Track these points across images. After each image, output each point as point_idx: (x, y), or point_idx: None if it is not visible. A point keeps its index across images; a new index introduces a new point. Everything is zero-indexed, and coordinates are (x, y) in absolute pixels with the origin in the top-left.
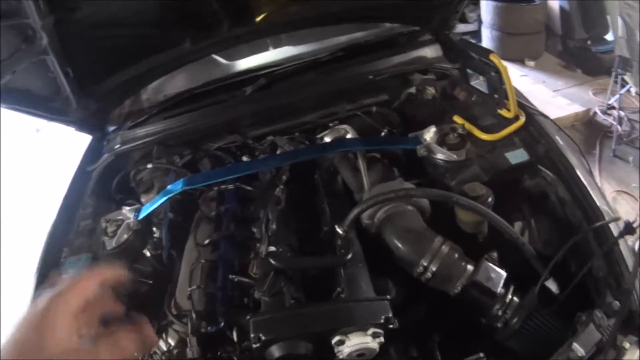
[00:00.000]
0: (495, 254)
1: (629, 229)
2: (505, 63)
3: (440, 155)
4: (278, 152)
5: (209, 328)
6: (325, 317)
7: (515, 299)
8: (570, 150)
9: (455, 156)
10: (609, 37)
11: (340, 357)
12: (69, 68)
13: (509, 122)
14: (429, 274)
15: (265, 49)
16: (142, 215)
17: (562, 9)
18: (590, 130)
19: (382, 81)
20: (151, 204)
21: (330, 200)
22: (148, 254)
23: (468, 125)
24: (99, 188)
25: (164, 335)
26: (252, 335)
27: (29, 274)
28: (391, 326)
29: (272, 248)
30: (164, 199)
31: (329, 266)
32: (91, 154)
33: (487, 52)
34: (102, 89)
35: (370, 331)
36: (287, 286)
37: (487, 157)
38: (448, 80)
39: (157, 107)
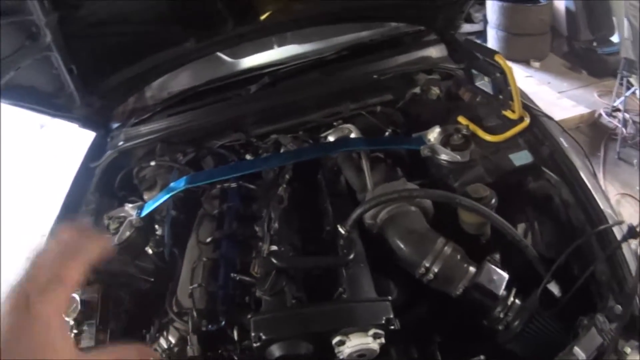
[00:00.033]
0: (497, 256)
1: (632, 232)
2: (510, 64)
3: (444, 156)
4: (282, 150)
5: (210, 326)
6: (326, 317)
7: (517, 301)
8: (575, 152)
9: (459, 157)
10: (615, 38)
11: (341, 357)
12: (73, 65)
13: (514, 123)
14: (431, 275)
15: (270, 48)
16: (144, 212)
17: (567, 9)
18: (595, 132)
19: (386, 81)
20: (154, 202)
21: (333, 200)
22: (150, 251)
23: (472, 126)
24: (102, 185)
25: (164, 333)
26: (252, 334)
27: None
28: (392, 327)
29: (274, 247)
30: (167, 196)
31: (330, 266)
32: (95, 151)
33: (492, 52)
34: (106, 86)
35: (371, 332)
36: (288, 286)
37: (491, 158)
38: (453, 80)
39: (161, 104)
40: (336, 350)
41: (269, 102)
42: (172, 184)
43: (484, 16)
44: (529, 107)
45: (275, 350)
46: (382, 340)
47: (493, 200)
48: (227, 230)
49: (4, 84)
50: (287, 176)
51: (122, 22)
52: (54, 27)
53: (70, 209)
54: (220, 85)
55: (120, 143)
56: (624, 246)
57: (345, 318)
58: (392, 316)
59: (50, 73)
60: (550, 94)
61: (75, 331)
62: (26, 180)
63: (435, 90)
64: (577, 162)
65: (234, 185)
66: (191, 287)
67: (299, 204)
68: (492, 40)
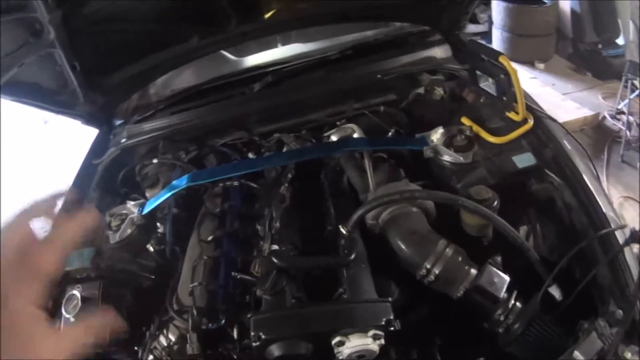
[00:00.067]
0: (499, 259)
1: (634, 237)
2: (514, 65)
3: (447, 157)
4: (284, 149)
5: (210, 325)
6: (326, 318)
7: (517, 304)
8: (578, 155)
9: (462, 158)
10: (620, 41)
11: (340, 358)
12: (76, 62)
13: (517, 125)
14: (432, 277)
15: (274, 46)
16: (146, 210)
17: (573, 11)
18: (599, 135)
19: (390, 81)
20: (156, 199)
21: (335, 200)
22: (151, 249)
23: (476, 128)
24: (104, 182)
25: (164, 331)
26: (252, 333)
27: None
28: (392, 328)
29: (275, 246)
30: (169, 194)
31: (331, 266)
32: (97, 148)
33: (497, 54)
34: (109, 83)
35: (371, 333)
36: (289, 285)
37: (494, 160)
38: (457, 81)
39: (164, 102)
40: (336, 351)
41: (272, 100)
42: (174, 182)
43: (489, 17)
44: (532, 109)
45: (275, 349)
46: (382, 341)
47: (495, 203)
48: (229, 228)
49: (7, 81)
50: (289, 175)
51: (126, 20)
52: (58, 24)
53: (72, 205)
54: (224, 83)
55: (123, 140)
56: (626, 250)
57: (345, 319)
58: (392, 317)
59: (54, 70)
60: (555, 96)
61: None
62: (29, 176)
63: (439, 91)
64: (581, 164)
65: (236, 183)
66: (191, 285)
67: (301, 203)
68: (497, 41)
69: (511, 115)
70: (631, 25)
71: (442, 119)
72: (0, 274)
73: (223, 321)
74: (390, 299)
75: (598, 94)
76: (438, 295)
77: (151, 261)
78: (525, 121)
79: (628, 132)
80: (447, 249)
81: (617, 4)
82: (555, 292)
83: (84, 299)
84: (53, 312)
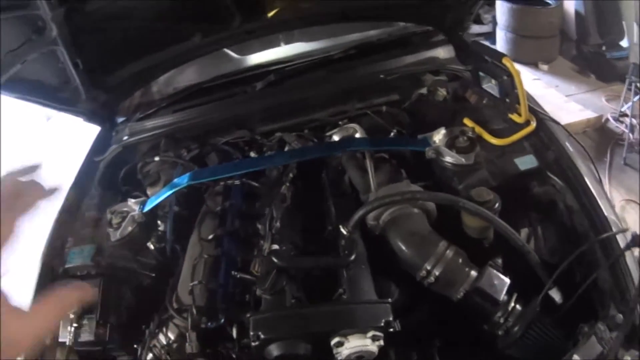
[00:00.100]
0: (499, 261)
1: (635, 241)
2: (518, 66)
3: (449, 158)
4: (286, 149)
5: (209, 324)
6: (325, 318)
7: (517, 307)
8: (580, 157)
9: (463, 160)
10: (624, 43)
11: (339, 358)
12: (79, 59)
13: (520, 127)
14: (432, 278)
15: (277, 45)
16: (147, 208)
17: (577, 13)
18: (601, 137)
19: (393, 81)
20: (157, 197)
21: (336, 200)
22: (152, 247)
23: (478, 129)
24: (106, 179)
25: (164, 329)
26: (251, 333)
27: (33, 262)
28: (391, 329)
29: (275, 246)
30: (170, 192)
31: (331, 267)
32: (99, 145)
33: (500, 55)
34: (112, 81)
35: (370, 334)
36: (288, 285)
37: (496, 162)
38: (460, 82)
39: (167, 99)
40: (334, 351)
41: (274, 99)
42: (175, 180)
43: (493, 17)
44: (535, 110)
45: (274, 349)
46: (381, 342)
47: (497, 205)
48: (229, 227)
49: (9, 77)
50: (291, 175)
51: (128, 17)
52: (60, 21)
53: (74, 202)
54: (226, 81)
55: (125, 137)
56: (627, 254)
57: (344, 319)
58: (391, 319)
59: (56, 67)
60: (558, 98)
61: (75, 325)
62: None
63: (442, 92)
64: (583, 167)
65: (237, 182)
66: (191, 284)
67: (302, 202)
68: (501, 42)
69: (514, 117)
70: (635, 28)
71: (444, 119)
72: None
73: (222, 320)
74: (390, 300)
75: (601, 96)
76: (438, 297)
77: (151, 259)
78: (527, 123)
79: (631, 135)
80: (448, 251)
81: (622, 6)
82: (555, 295)
83: None
84: None
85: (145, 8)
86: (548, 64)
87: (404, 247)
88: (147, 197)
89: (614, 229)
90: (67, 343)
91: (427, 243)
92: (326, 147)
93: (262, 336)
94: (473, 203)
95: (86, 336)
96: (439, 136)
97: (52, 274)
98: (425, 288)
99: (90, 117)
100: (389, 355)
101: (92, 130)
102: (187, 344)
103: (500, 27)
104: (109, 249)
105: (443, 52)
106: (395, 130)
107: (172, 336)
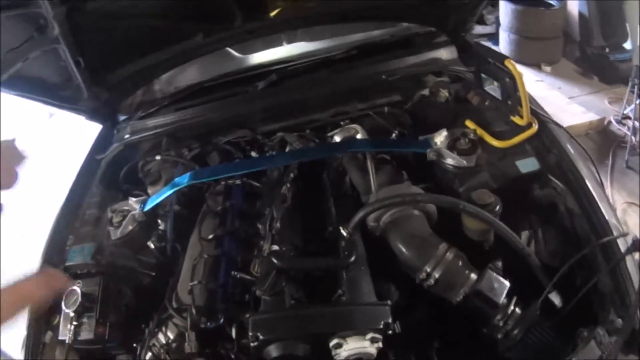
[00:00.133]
0: (499, 263)
1: (636, 245)
2: (521, 67)
3: (450, 160)
4: (287, 149)
5: (208, 324)
6: (324, 320)
7: (517, 310)
8: (582, 160)
9: (465, 162)
10: (628, 45)
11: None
12: (80, 57)
13: (521, 129)
14: (431, 281)
15: (279, 44)
16: (148, 206)
17: (581, 14)
18: (604, 140)
19: (395, 81)
20: (157, 196)
21: (336, 201)
22: (152, 246)
23: (480, 131)
24: (107, 177)
25: (163, 329)
26: (250, 334)
27: (34, 259)
28: (390, 332)
29: (275, 247)
30: (171, 191)
31: (331, 268)
32: (101, 143)
33: (502, 57)
34: (113, 79)
35: (369, 336)
36: (288, 286)
37: (497, 164)
38: (462, 83)
39: (168, 98)
40: (333, 353)
41: (276, 99)
42: (176, 179)
43: (497, 18)
44: (537, 113)
45: (273, 350)
46: (380, 344)
47: (497, 207)
48: (230, 227)
49: (11, 75)
50: (291, 175)
51: (130, 16)
52: (62, 20)
53: (75, 200)
54: (228, 81)
55: (127, 136)
56: (628, 258)
57: (343, 321)
58: (390, 321)
59: (58, 65)
60: (561, 99)
61: (74, 323)
62: (34, 170)
63: (444, 93)
64: (584, 170)
65: (238, 182)
66: (191, 283)
67: (303, 203)
68: (504, 43)
69: (515, 119)
70: (639, 30)
71: (446, 121)
72: None
73: (222, 320)
74: (389, 302)
75: (604, 99)
76: (438, 299)
77: (152, 258)
78: (529, 125)
79: (633, 138)
80: (448, 253)
81: (626, 8)
82: (555, 298)
83: (84, 295)
84: (53, 307)
85: (147, 7)
86: (551, 65)
87: (404, 249)
88: (148, 195)
89: (615, 233)
90: (67, 341)
91: (428, 245)
92: (327, 148)
93: (261, 337)
94: (474, 206)
95: (86, 334)
96: (440, 138)
97: None
98: (425, 290)
99: (92, 115)
100: (387, 357)
101: (94, 127)
102: (186, 344)
103: (503, 28)
104: (109, 247)
105: (445, 53)
106: (396, 132)
107: (171, 335)
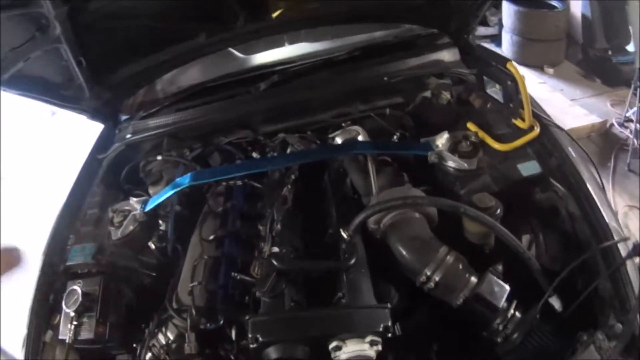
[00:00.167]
0: (500, 267)
1: (636, 250)
2: (523, 69)
3: (451, 163)
4: (289, 150)
5: (208, 325)
6: (323, 322)
7: (517, 314)
8: (584, 163)
9: (466, 165)
10: (630, 47)
11: None
12: (82, 57)
13: (523, 132)
14: (432, 284)
15: (282, 45)
16: (149, 207)
17: (584, 17)
18: (606, 142)
19: (397, 83)
20: (158, 197)
21: (337, 203)
22: (153, 246)
23: (481, 134)
24: (108, 177)
25: (163, 329)
26: (249, 335)
27: (34, 258)
28: (390, 335)
29: (276, 249)
30: (172, 192)
31: (331, 270)
32: (102, 142)
33: (505, 60)
34: (115, 79)
35: (368, 339)
36: (288, 288)
37: (498, 167)
38: (464, 85)
39: (170, 98)
40: (332, 355)
41: (278, 100)
42: (177, 180)
43: (499, 20)
44: (539, 116)
45: (272, 352)
46: (379, 347)
47: (498, 211)
48: (230, 228)
49: (13, 74)
50: (292, 176)
51: (132, 16)
52: (64, 19)
53: (76, 199)
54: (230, 81)
55: (128, 136)
56: (628, 263)
57: (343, 324)
58: (390, 324)
59: (60, 65)
60: (563, 102)
61: (75, 322)
62: (36, 168)
63: (446, 95)
64: (586, 174)
65: (239, 182)
66: (191, 284)
67: (304, 204)
68: (507, 45)
69: (517, 122)
70: None
71: (448, 123)
72: None
73: (222, 321)
74: (389, 304)
75: (606, 101)
76: (438, 302)
77: (152, 258)
78: (531, 129)
79: (635, 141)
80: (448, 256)
81: (629, 10)
82: (555, 302)
83: (84, 294)
84: (54, 306)
85: (149, 7)
86: (554, 67)
87: (404, 252)
88: (149, 196)
89: (616, 237)
90: (67, 341)
91: (428, 248)
92: (329, 149)
93: (260, 339)
94: (474, 209)
95: (86, 334)
96: (441, 140)
97: (53, 271)
98: (425, 293)
99: (94, 114)
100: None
101: (95, 127)
102: (186, 345)
103: (506, 29)
104: (110, 247)
105: (448, 55)
106: (398, 133)
107: (171, 336)
